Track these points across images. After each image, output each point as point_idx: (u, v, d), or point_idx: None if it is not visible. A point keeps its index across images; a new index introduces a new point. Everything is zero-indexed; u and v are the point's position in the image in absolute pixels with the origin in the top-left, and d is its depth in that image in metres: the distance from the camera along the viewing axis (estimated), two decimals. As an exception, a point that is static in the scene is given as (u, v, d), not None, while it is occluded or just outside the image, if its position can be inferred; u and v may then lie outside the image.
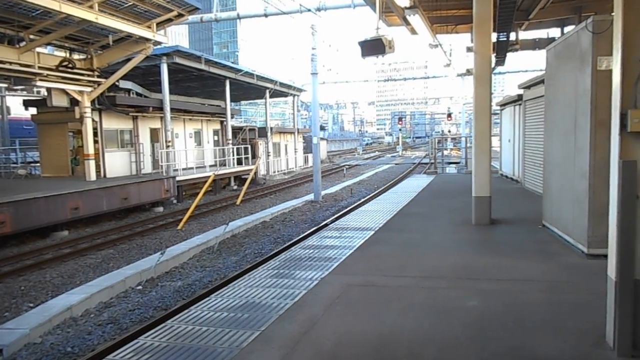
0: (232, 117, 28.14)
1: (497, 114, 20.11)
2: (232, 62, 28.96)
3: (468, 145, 22.57)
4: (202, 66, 21.26)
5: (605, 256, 3.84)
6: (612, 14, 3.69)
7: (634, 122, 3.44)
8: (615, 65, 3.60)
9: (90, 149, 16.76)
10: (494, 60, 13.90)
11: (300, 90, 35.35)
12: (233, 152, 25.08)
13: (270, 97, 31.46)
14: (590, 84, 6.07)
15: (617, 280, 3.57)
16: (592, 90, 6.03)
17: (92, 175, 16.68)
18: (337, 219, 12.90)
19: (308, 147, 34.27)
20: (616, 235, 3.57)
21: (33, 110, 19.93)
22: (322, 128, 60.58)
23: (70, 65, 15.84)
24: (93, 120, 17.26)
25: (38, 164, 21.26)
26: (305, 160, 37.04)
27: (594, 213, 6.08)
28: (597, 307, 4.14)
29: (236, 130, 28.37)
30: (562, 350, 3.75)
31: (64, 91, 16.03)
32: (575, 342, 3.88)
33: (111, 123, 18.92)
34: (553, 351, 3.74)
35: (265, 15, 20.55)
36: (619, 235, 3.54)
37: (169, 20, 16.51)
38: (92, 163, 16.79)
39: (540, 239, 7.68)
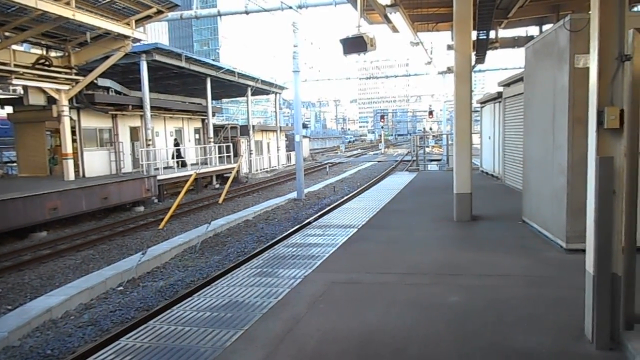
0: (213, 115, 27.95)
1: (478, 111, 20.33)
2: (213, 60, 28.75)
3: (449, 142, 22.77)
4: (183, 64, 21.05)
5: (584, 251, 3.90)
6: (589, 12, 3.75)
7: (611, 119, 3.50)
8: (592, 63, 3.66)
9: (68, 148, 16.47)
10: (474, 58, 14.04)
11: (282, 88, 35.23)
12: (215, 150, 24.92)
13: (252, 95, 31.32)
14: (567, 82, 6.16)
15: (595, 275, 3.64)
16: (570, 87, 6.12)
17: (71, 175, 16.41)
18: (320, 216, 12.91)
19: (290, 145, 34.20)
20: (594, 231, 3.63)
21: (9, 109, 19.56)
22: (305, 126, 60.55)
23: (47, 63, 15.54)
24: (71, 118, 16.97)
25: (15, 164, 20.88)
26: (288, 159, 36.97)
27: (572, 209, 6.18)
28: (575, 301, 4.21)
29: (218, 129, 28.19)
30: (542, 345, 3.80)
31: (40, 89, 15.75)
32: (555, 336, 3.95)
33: (90, 122, 18.63)
34: (533, 346, 3.80)
35: (246, 13, 20.41)
36: (597, 230, 3.60)
37: (148, 17, 16.29)
38: (70, 162, 16.51)
39: (520, 234, 7.79)
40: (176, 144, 23.53)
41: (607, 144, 3.58)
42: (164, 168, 20.89)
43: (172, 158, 22.47)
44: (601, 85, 3.59)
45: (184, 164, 23.00)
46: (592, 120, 3.66)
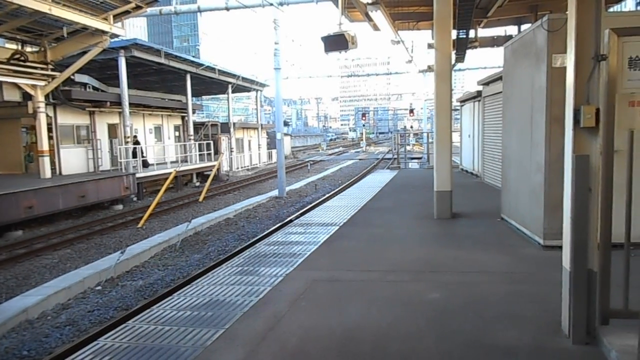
0: (193, 113, 27.69)
1: (458, 109, 20.53)
2: (193, 56, 28.47)
3: (430, 140, 22.96)
4: (162, 60, 20.82)
5: (560, 247, 3.97)
6: (567, 12, 3.81)
7: (587, 118, 3.55)
8: (569, 63, 3.71)
9: (44, 145, 16.17)
10: (454, 57, 14.16)
11: (263, 85, 35.09)
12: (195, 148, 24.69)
13: (233, 92, 31.10)
14: (545, 81, 6.25)
15: (571, 271, 3.70)
16: (547, 86, 6.22)
17: (47, 173, 16.12)
18: (301, 214, 12.90)
19: (272, 143, 34.13)
20: (570, 227, 3.69)
21: (-17, 105, 19.04)
22: (286, 124, 60.32)
23: (22, 58, 15.22)
24: (47, 115, 16.65)
25: (-11, 161, 20.37)
26: (269, 156, 36.87)
27: (549, 206, 6.27)
28: (553, 297, 4.28)
29: (198, 126, 27.94)
30: (521, 340, 3.86)
31: (16, 85, 15.41)
32: (533, 331, 4.01)
33: (66, 118, 18.30)
34: (512, 341, 3.85)
35: (227, 9, 20.24)
36: (573, 227, 3.66)
37: (127, 12, 16.07)
38: (46, 160, 16.22)
39: (499, 231, 7.90)
40: (135, 142, 20.53)
41: (583, 142, 3.64)
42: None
43: (134, 157, 19.73)
44: (578, 84, 3.64)
45: (145, 164, 20.56)
46: (568, 118, 3.72)
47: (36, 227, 13.63)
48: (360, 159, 38.71)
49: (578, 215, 3.63)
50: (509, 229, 7.98)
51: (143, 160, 20.64)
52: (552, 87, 6.11)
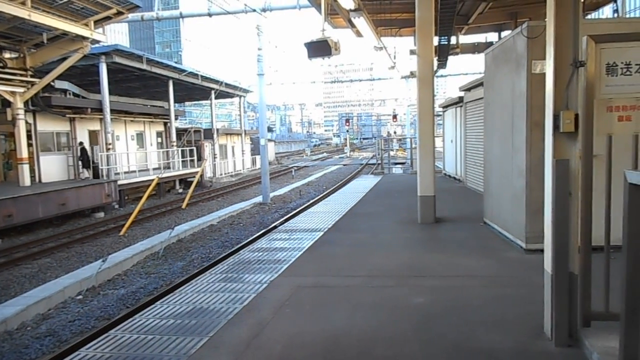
0: (176, 119, 27.52)
1: (440, 115, 20.71)
2: (176, 62, 28.32)
3: (413, 146, 23.12)
4: (144, 66, 20.65)
5: (542, 251, 4.02)
6: (546, 20, 3.87)
7: (566, 123, 3.61)
8: (548, 69, 3.78)
9: (23, 152, 15.92)
10: (436, 63, 14.32)
11: (246, 91, 35.01)
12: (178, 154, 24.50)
13: (216, 98, 30.98)
14: (525, 87, 6.35)
15: (553, 274, 3.74)
16: (527, 92, 6.31)
17: (27, 181, 15.85)
18: (286, 220, 12.86)
19: (256, 149, 34.01)
20: (551, 231, 3.74)
21: (-40, 112, 18.68)
22: (270, 129, 60.23)
23: (0, 65, 14.98)
24: (27, 122, 16.40)
25: (-34, 169, 19.97)
26: (253, 162, 36.74)
27: (530, 210, 6.35)
28: (535, 300, 4.33)
29: (181, 132, 27.76)
30: (504, 343, 3.89)
31: (-6, 92, 15.15)
32: (516, 334, 4.04)
33: (46, 125, 18.04)
34: (496, 344, 3.88)
35: (209, 15, 20.19)
36: (554, 230, 3.71)
37: (108, 18, 15.95)
38: (26, 167, 15.96)
39: (482, 235, 7.97)
40: (82, 150, 18.86)
41: (563, 147, 3.70)
42: (125, 172, 20.37)
43: (83, 167, 18.70)
44: (557, 90, 3.70)
45: (95, 174, 18.73)
46: (548, 124, 3.78)
47: (15, 236, 13.38)
48: (344, 165, 38.77)
49: (559, 219, 3.68)
50: (492, 233, 8.05)
51: (93, 167, 19.03)
52: (532, 92, 6.20)
